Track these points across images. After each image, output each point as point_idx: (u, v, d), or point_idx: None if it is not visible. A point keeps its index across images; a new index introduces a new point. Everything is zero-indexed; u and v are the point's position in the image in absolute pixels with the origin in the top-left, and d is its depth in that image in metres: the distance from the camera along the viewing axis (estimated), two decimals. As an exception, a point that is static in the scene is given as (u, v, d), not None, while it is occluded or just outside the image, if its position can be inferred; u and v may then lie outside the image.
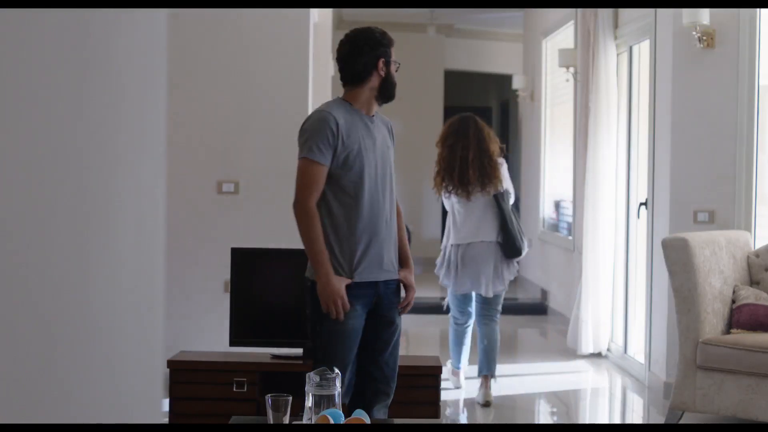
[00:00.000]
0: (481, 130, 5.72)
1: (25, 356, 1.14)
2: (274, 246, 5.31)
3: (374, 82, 3.68)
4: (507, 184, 5.78)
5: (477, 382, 5.90)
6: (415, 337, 8.00)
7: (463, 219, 5.70)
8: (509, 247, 5.62)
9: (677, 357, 5.15)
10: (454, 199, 5.71)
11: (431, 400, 4.37)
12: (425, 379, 4.28)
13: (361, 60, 3.66)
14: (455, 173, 5.64)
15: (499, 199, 5.66)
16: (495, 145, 5.72)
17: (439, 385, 4.43)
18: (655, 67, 6.23)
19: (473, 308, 5.90)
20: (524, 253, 5.74)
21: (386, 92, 3.72)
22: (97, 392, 1.41)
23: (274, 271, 4.64)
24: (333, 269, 3.57)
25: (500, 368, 6.29)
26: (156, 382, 1.76)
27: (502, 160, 5.79)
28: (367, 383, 3.71)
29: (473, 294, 5.82)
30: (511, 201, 5.81)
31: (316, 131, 3.59)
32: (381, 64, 3.67)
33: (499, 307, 5.85)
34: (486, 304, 5.81)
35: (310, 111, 6.21)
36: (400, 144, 14.39)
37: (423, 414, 4.16)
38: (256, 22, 5.92)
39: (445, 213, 5.96)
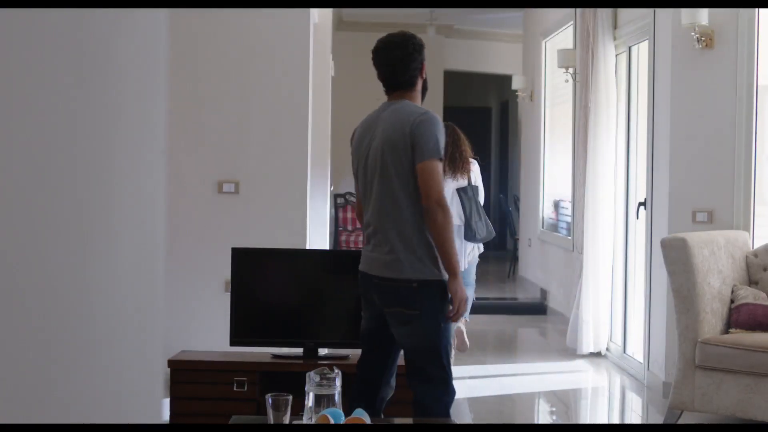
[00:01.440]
0: (459, 135, 6.70)
1: (25, 356, 1.15)
2: (274, 246, 5.32)
3: (419, 85, 3.84)
4: (477, 181, 6.76)
5: (479, 381, 5.95)
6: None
7: None
8: (466, 232, 6.54)
9: (676, 356, 5.16)
10: None
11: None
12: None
13: (412, 65, 3.77)
14: None
15: (460, 192, 6.56)
16: (468, 149, 6.70)
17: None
18: (654, 67, 6.23)
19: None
20: (479, 238, 6.57)
21: (424, 95, 3.90)
22: (97, 392, 1.42)
23: (274, 270, 4.65)
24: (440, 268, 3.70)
25: (500, 367, 6.62)
26: (156, 382, 1.77)
27: (473, 161, 6.74)
28: (388, 379, 3.88)
29: None
30: (481, 198, 6.73)
31: (440, 133, 3.69)
32: (424, 68, 3.83)
33: (472, 282, 6.84)
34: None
35: (310, 111, 6.22)
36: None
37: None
38: (256, 22, 5.93)
39: None
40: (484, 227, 6.58)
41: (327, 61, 8.26)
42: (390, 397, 3.93)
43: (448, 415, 3.74)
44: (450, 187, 6.58)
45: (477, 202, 6.62)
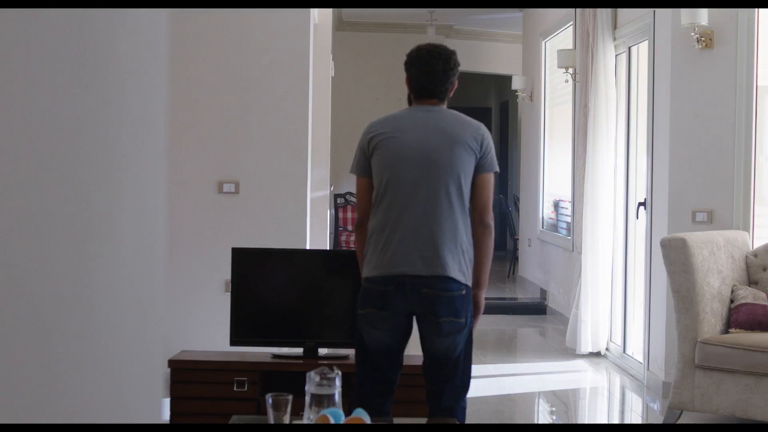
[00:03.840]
0: None
1: (25, 356, 1.15)
2: (274, 246, 5.33)
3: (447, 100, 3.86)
4: None
5: (479, 381, 5.96)
6: (414, 337, 8.00)
7: None
8: None
9: (676, 356, 5.16)
10: None
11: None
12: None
13: (451, 79, 3.77)
14: None
15: None
16: None
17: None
18: (654, 67, 6.24)
19: None
20: None
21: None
22: (97, 392, 1.42)
23: (274, 270, 4.65)
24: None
25: (500, 367, 6.65)
26: (156, 382, 1.77)
27: None
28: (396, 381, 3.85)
29: None
30: None
31: None
32: (454, 87, 3.83)
33: None
34: None
35: (310, 111, 6.22)
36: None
37: (422, 413, 4.17)
38: (256, 22, 5.93)
39: None
40: None
41: (327, 61, 8.26)
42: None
43: (464, 419, 3.78)
44: None
45: None
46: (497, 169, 3.72)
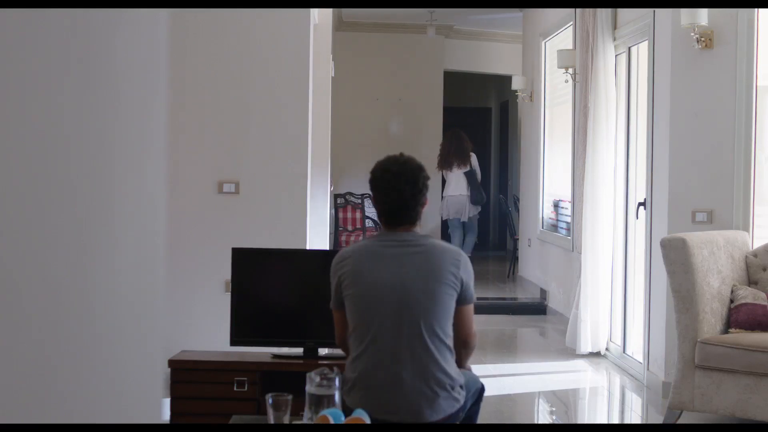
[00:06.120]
0: (462, 136, 11.43)
1: (25, 356, 1.15)
2: (274, 246, 5.33)
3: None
4: (476, 167, 11.73)
5: (483, 380, 6.01)
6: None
7: (451, 183, 11.65)
8: (473, 197, 11.66)
9: (676, 356, 5.16)
10: (446, 172, 11.75)
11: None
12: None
13: (420, 201, 3.57)
14: (445, 158, 11.67)
15: (467, 175, 11.60)
16: (469, 146, 11.54)
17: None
18: (654, 67, 6.24)
19: (461, 236, 11.76)
20: (480, 201, 11.75)
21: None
22: (97, 392, 1.42)
23: (274, 271, 4.65)
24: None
25: (500, 367, 6.68)
26: (156, 382, 1.77)
27: (473, 154, 11.62)
28: None
29: (459, 223, 11.81)
30: (478, 176, 11.79)
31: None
32: (426, 203, 3.64)
33: (474, 231, 11.98)
34: (465, 228, 11.90)
35: (310, 111, 6.22)
36: (402, 143, 14.58)
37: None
38: (256, 22, 5.93)
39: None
40: (482, 195, 11.69)
41: (327, 61, 8.26)
42: None
43: (477, 416, 3.97)
44: (459, 171, 11.52)
45: (476, 180, 11.63)
46: (474, 299, 3.62)
